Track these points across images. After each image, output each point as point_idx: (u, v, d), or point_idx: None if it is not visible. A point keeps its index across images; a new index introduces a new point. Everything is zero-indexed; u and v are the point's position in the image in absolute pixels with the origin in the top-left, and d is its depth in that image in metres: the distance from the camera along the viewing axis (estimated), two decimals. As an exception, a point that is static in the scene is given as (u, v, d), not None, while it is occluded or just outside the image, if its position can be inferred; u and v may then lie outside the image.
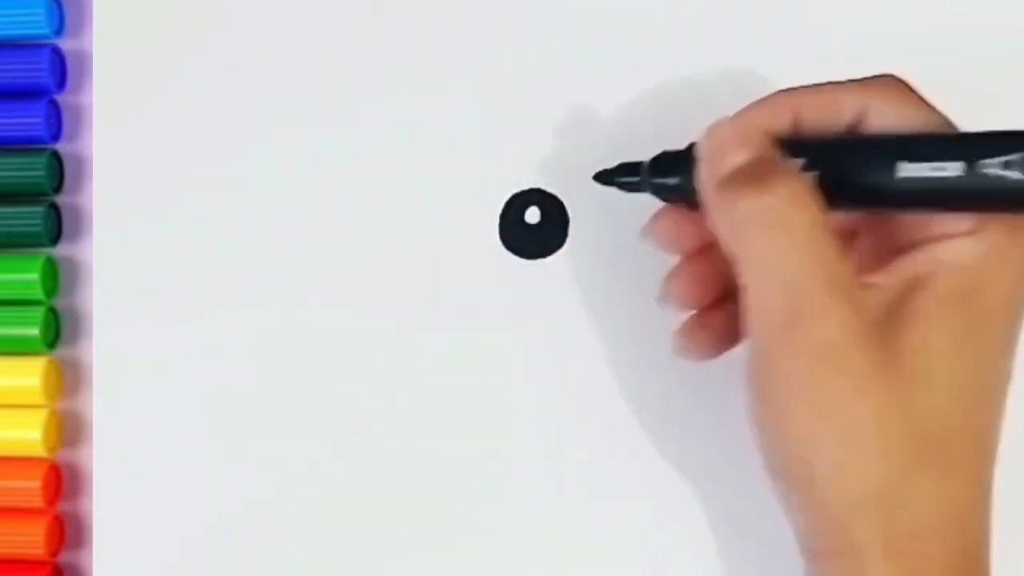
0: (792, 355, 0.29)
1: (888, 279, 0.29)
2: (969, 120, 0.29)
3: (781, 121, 0.31)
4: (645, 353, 0.37)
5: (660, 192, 0.33)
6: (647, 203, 0.37)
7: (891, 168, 0.28)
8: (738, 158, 0.30)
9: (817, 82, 0.31)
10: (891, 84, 0.30)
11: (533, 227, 0.38)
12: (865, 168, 0.29)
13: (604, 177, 0.34)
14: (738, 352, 0.37)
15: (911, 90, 0.30)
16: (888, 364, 0.28)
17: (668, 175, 0.32)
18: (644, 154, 0.37)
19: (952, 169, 0.28)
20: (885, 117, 0.30)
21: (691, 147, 0.31)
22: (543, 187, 0.38)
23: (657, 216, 0.34)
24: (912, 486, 0.28)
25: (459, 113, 0.38)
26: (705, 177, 0.30)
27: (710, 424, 0.37)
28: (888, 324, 0.29)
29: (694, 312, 0.34)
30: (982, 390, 0.29)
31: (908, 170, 0.28)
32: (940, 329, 0.28)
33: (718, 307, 0.33)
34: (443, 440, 0.38)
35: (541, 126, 0.38)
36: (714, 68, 0.37)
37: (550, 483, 0.37)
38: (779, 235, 0.28)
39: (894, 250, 0.30)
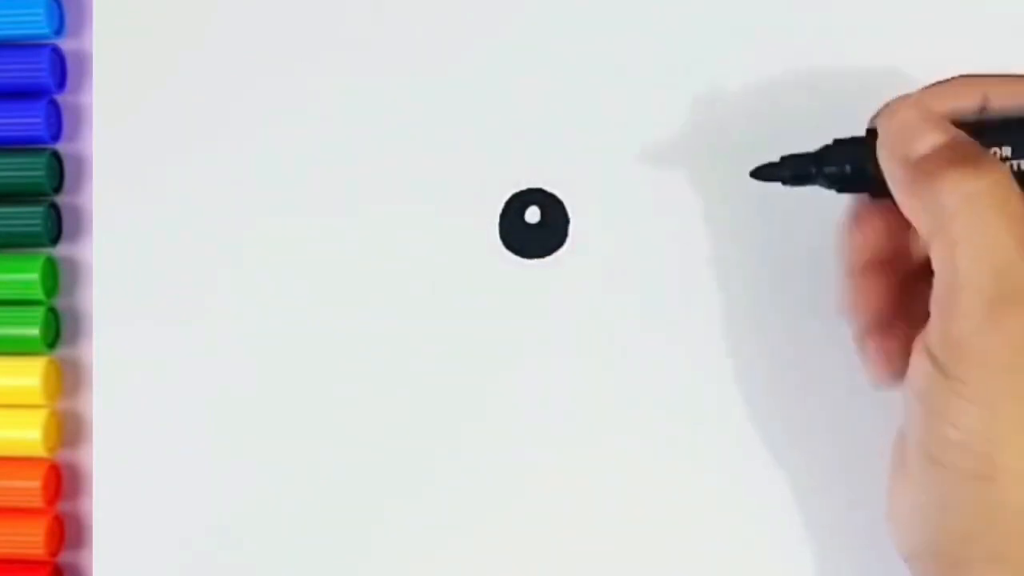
0: (994, 340, 0.27)
1: None
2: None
3: (966, 104, 0.30)
4: (645, 352, 0.37)
5: (837, 182, 0.32)
6: (647, 203, 0.37)
7: None
8: (932, 139, 0.29)
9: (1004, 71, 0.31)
10: None
11: (533, 227, 0.38)
12: None
13: (765, 174, 0.33)
14: (737, 352, 0.37)
15: None
16: None
17: (845, 163, 0.31)
18: (645, 152, 0.37)
19: None
20: None
21: (869, 133, 0.31)
22: (543, 187, 0.38)
23: (860, 214, 0.32)
24: None
25: (459, 113, 0.38)
26: (894, 157, 0.30)
27: (713, 422, 0.37)
28: None
29: (873, 336, 0.32)
30: None
31: None
32: None
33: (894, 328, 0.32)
34: (443, 440, 0.38)
35: (541, 126, 0.38)
36: (717, 67, 0.37)
37: (551, 483, 0.37)
38: (993, 218, 0.28)
39: None
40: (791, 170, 0.32)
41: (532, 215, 0.38)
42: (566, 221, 0.38)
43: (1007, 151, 0.30)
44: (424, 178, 0.38)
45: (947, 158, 0.29)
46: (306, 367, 0.38)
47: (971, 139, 0.29)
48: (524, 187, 0.38)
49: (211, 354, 0.38)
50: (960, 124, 0.30)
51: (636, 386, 0.37)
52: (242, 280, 0.38)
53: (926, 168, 0.29)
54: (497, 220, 0.38)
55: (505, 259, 0.38)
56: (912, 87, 0.31)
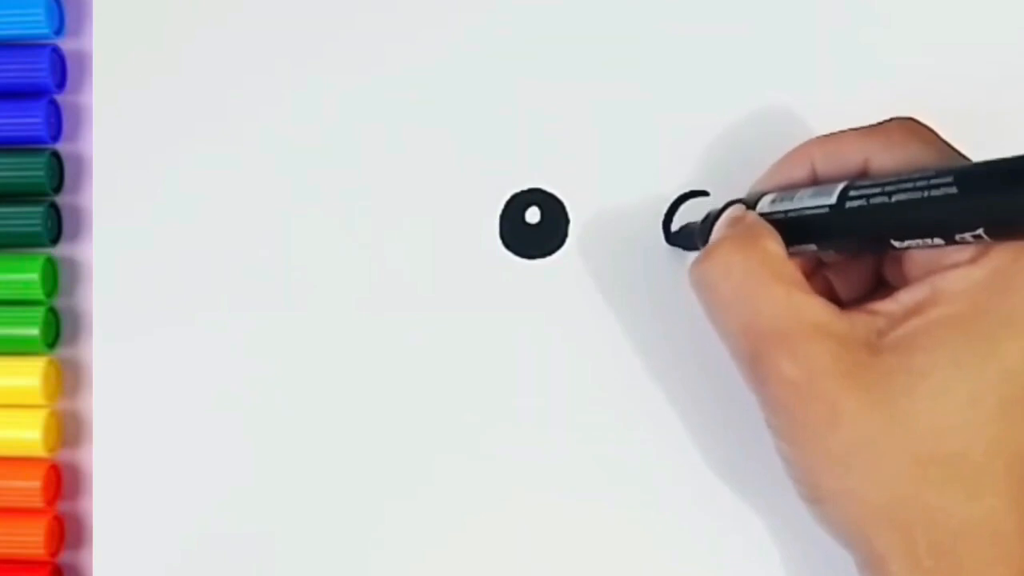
0: (763, 396, 0.30)
1: (891, 306, 0.30)
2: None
3: (801, 172, 0.33)
4: (645, 353, 0.37)
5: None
6: (646, 203, 0.37)
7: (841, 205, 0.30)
8: (716, 235, 0.32)
9: (833, 131, 0.32)
10: (895, 128, 0.31)
11: (533, 227, 0.38)
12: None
13: (668, 239, 0.37)
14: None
15: (919, 133, 0.31)
16: (874, 387, 0.29)
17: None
18: (645, 153, 0.37)
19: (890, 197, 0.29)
20: (884, 162, 0.31)
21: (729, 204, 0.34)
22: (543, 187, 0.38)
23: None
24: (930, 502, 0.28)
25: (459, 113, 0.38)
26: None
27: (711, 423, 0.37)
28: (879, 349, 0.29)
29: None
30: (999, 411, 0.29)
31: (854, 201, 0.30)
32: (928, 352, 0.29)
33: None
34: (443, 440, 0.38)
35: (541, 126, 0.38)
36: (714, 71, 0.37)
37: (551, 482, 0.37)
38: (723, 288, 0.31)
39: (904, 281, 0.31)
40: (682, 243, 0.36)
41: (532, 215, 0.38)
42: (566, 221, 0.38)
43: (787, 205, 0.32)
44: (424, 178, 0.38)
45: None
46: (306, 367, 0.38)
47: (734, 232, 0.32)
48: (524, 187, 0.38)
49: (211, 354, 0.38)
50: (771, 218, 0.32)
51: (635, 386, 0.37)
52: (242, 280, 0.38)
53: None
54: (497, 220, 0.38)
55: (505, 259, 0.38)
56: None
